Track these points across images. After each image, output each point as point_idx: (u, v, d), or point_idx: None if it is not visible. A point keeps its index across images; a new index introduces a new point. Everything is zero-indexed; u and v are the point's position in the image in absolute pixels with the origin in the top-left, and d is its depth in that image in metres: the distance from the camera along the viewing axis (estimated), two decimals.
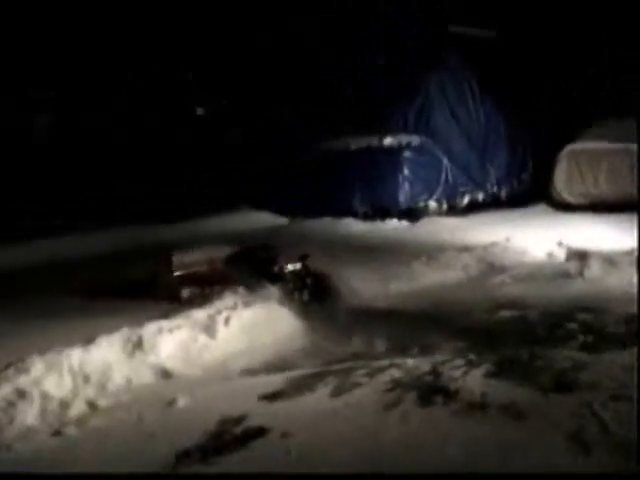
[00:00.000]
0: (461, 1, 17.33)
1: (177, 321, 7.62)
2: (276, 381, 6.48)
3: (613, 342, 6.90)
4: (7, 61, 16.21)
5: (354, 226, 15.16)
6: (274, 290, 8.49)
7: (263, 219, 16.60)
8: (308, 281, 8.77)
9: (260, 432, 5.43)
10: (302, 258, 8.99)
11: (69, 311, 8.73)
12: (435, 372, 6.26)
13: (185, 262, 9.41)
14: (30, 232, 13.61)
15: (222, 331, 7.62)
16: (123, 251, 12.62)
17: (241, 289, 8.65)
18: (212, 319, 7.77)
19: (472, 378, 6.04)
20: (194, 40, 18.09)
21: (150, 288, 9.41)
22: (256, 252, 9.28)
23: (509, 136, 17.64)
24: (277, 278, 8.77)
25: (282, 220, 16.58)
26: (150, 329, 7.31)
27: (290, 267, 8.91)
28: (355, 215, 15.91)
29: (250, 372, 6.89)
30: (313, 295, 8.67)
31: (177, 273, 9.31)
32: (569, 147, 16.28)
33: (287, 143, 17.31)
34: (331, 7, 17.12)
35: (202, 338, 7.46)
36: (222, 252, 9.48)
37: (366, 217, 15.86)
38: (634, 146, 15.03)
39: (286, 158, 17.23)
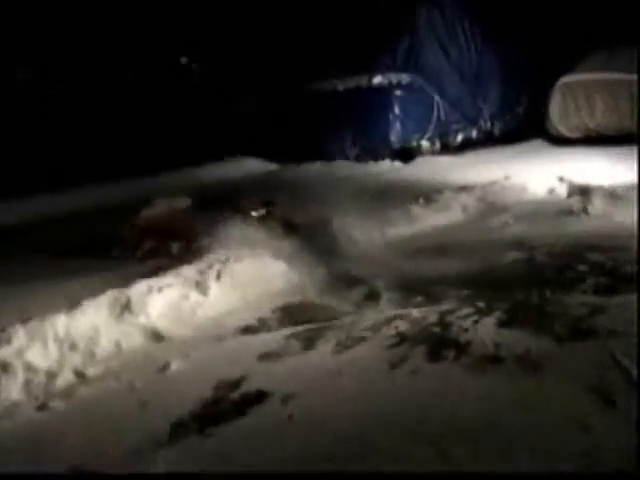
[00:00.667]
0: None
1: (167, 279, 7.21)
2: (274, 339, 6.11)
3: (628, 283, 6.53)
4: None
5: (346, 169, 14.79)
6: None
7: (254, 166, 16.28)
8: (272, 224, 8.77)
9: (259, 396, 5.06)
10: (267, 204, 9.16)
11: (48, 273, 8.33)
12: (443, 323, 5.88)
13: (147, 215, 9.08)
14: (12, 190, 13.21)
15: (214, 287, 7.23)
16: (104, 206, 12.25)
17: (231, 241, 8.32)
18: (203, 275, 7.37)
19: (483, 328, 5.66)
20: None
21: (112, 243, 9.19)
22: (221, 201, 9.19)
23: (502, 70, 17.24)
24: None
25: (273, 166, 16.25)
26: (138, 289, 6.92)
27: (254, 214, 8.98)
28: (347, 157, 15.54)
29: (246, 330, 6.53)
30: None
31: (135, 225, 8.97)
32: (564, 79, 15.84)
33: (274, 87, 16.89)
34: None
35: (193, 295, 7.08)
36: (185, 203, 9.22)
37: (358, 159, 15.49)
38: (632, 76, 14.63)
39: (274, 102, 16.82)
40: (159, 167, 15.30)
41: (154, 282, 7.10)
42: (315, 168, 14.99)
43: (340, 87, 15.77)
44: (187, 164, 15.74)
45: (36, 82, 16.86)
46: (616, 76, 15.23)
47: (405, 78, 15.55)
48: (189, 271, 7.45)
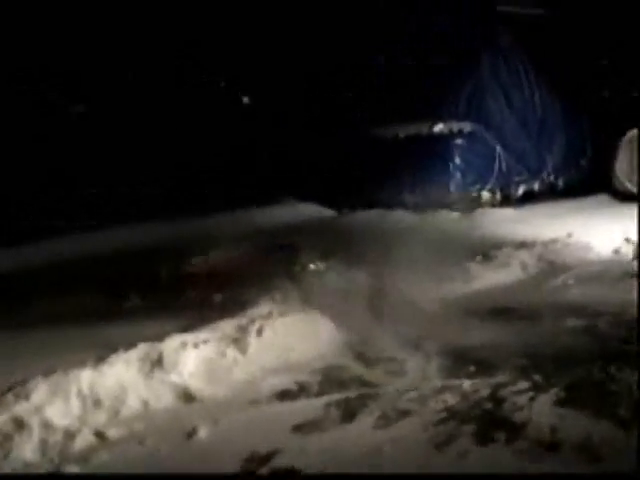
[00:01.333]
0: None
1: (203, 334, 6.79)
2: (312, 407, 5.69)
3: None
4: None
5: (404, 218, 14.28)
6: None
7: (309, 211, 15.83)
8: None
9: (291, 474, 4.63)
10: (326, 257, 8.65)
11: (80, 317, 8.04)
12: (496, 398, 5.44)
13: (198, 262, 8.70)
14: (52, 229, 12.97)
15: (254, 345, 6.79)
16: (148, 247, 11.85)
17: (277, 295, 7.91)
18: (243, 330, 6.94)
19: (539, 406, 5.21)
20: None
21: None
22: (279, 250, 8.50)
23: (566, 121, 16.61)
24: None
25: (329, 212, 15.81)
26: (172, 344, 6.50)
27: (313, 267, 8.46)
28: (405, 206, 15.05)
29: (283, 395, 6.08)
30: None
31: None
32: (632, 132, 15.26)
33: (334, 131, 16.53)
34: None
35: (231, 353, 6.64)
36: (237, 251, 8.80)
37: (416, 208, 14.96)
38: None
39: (333, 147, 16.46)
40: (209, 208, 14.97)
41: (189, 337, 6.68)
42: (371, 216, 14.52)
43: (401, 134, 15.33)
44: (239, 206, 15.35)
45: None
46: None
47: (467, 127, 15.06)
48: (228, 326, 7.02)
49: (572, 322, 7.24)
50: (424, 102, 15.21)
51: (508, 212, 14.38)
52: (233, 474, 4.74)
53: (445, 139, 15.06)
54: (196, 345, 6.53)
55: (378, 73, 15.85)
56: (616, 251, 10.07)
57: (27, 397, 5.56)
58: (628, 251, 10.00)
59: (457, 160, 14.97)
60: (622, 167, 15.13)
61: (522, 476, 4.16)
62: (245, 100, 18.85)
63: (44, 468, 5.09)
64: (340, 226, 14.14)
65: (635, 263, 9.49)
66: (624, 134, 15.31)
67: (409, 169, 15.05)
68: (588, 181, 16.30)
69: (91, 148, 16.03)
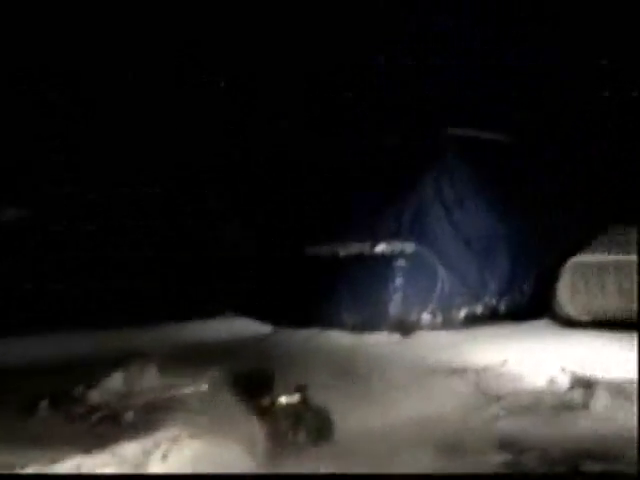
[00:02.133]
0: (463, 105, 16.39)
1: (102, 457, 6.33)
2: None
3: None
4: None
5: (340, 339, 14.02)
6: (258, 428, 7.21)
7: (245, 327, 15.54)
8: (306, 418, 7.47)
9: None
10: (299, 389, 7.70)
11: None
12: None
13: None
14: None
15: (157, 470, 6.33)
16: (73, 360, 11.46)
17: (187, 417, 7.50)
18: (147, 455, 6.48)
19: None
20: None
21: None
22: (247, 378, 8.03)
23: (510, 244, 16.52)
24: (265, 412, 7.44)
25: (266, 329, 15.49)
26: (65, 467, 6.05)
27: (284, 400, 7.59)
28: (343, 326, 14.77)
29: None
30: (310, 436, 7.37)
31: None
32: (574, 258, 15.09)
33: (274, 248, 16.35)
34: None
35: None
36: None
37: (355, 329, 14.71)
38: None
39: (272, 263, 16.26)
40: (146, 318, 14.62)
41: (86, 460, 6.22)
42: (307, 335, 14.25)
43: (341, 253, 15.15)
44: (175, 317, 15.01)
45: None
46: (631, 258, 14.51)
47: (409, 247, 14.92)
48: (131, 449, 6.57)
49: (496, 458, 6.85)
50: (366, 220, 15.10)
51: (447, 336, 14.11)
52: None
53: (386, 259, 14.88)
54: (92, 470, 6.07)
55: (316, 191, 15.74)
56: (551, 381, 9.75)
57: None
58: (564, 381, 9.70)
59: (398, 281, 14.78)
60: (563, 292, 14.93)
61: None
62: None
63: None
64: (276, 345, 13.81)
65: (571, 394, 9.21)
66: (567, 260, 15.13)
67: (348, 288, 14.84)
68: (530, 305, 16.14)
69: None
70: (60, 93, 15.66)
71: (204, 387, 9.19)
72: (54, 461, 6.14)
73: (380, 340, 14.04)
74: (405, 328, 14.64)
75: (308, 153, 16.12)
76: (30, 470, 5.91)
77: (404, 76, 16.17)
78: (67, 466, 6.06)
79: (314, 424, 7.32)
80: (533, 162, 17.07)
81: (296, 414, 7.34)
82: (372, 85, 16.38)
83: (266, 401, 7.51)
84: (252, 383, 7.79)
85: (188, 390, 8.99)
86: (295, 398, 7.50)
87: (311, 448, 7.12)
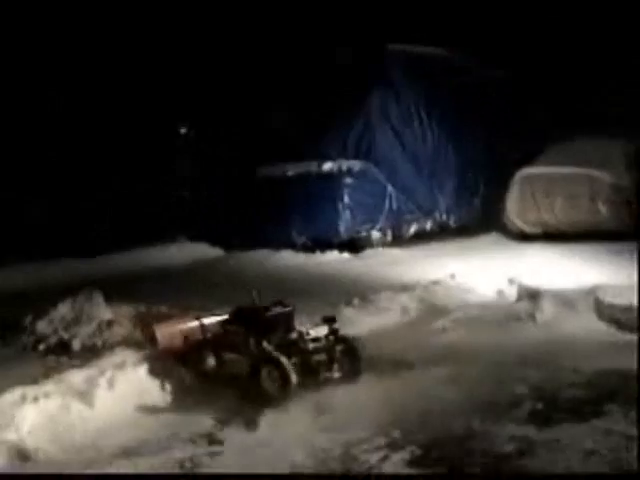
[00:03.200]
0: (404, 17, 16.27)
1: (47, 386, 6.29)
2: (153, 467, 5.26)
3: (564, 412, 5.70)
4: None
5: (290, 259, 14.01)
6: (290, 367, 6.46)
7: (198, 251, 15.49)
8: (337, 352, 6.76)
9: None
10: (328, 320, 6.99)
11: None
12: (348, 456, 5.06)
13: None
14: None
15: (102, 398, 6.30)
16: (30, 290, 11.39)
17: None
18: (92, 382, 6.44)
19: (391, 466, 4.84)
20: None
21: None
22: (262, 311, 7.01)
23: (459, 160, 16.51)
24: (295, 349, 6.72)
25: (218, 252, 15.44)
26: (9, 397, 6.00)
27: (313, 332, 6.86)
28: (294, 246, 14.73)
29: (125, 453, 5.62)
30: (345, 372, 6.72)
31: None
32: (523, 171, 15.09)
33: (222, 169, 16.20)
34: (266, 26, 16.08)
35: (76, 407, 6.14)
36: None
37: (305, 248, 14.68)
38: (593, 171, 14.00)
39: (221, 185, 16.12)
40: (99, 247, 14.52)
41: (31, 389, 6.17)
42: (259, 256, 14.22)
43: (290, 173, 15.04)
44: (126, 246, 14.92)
45: None
46: (577, 170, 14.54)
47: (356, 165, 14.85)
48: (76, 377, 6.53)
49: (442, 370, 6.87)
50: (313, 140, 14.98)
51: (397, 252, 14.14)
52: None
53: (334, 178, 14.80)
54: (36, 399, 6.02)
55: (265, 111, 15.59)
56: (499, 293, 9.78)
57: None
58: (511, 292, 9.72)
59: (346, 199, 14.72)
60: (512, 205, 14.94)
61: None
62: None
63: None
64: (228, 267, 13.78)
65: (518, 306, 9.23)
66: (515, 173, 15.13)
67: (298, 208, 14.76)
68: (480, 220, 16.18)
69: None
70: None
71: (162, 310, 9.17)
72: None
73: (331, 258, 14.05)
74: (355, 246, 14.65)
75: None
76: None
77: None
78: (13, 396, 6.01)
79: (347, 360, 6.75)
80: (478, 75, 17.08)
81: (327, 348, 6.73)
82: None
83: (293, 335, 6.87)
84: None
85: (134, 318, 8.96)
86: (323, 330, 6.87)
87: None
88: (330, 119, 15.15)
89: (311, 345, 6.76)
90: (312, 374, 6.60)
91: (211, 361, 6.93)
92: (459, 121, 16.45)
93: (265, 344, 6.71)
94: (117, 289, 9.77)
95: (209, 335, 7.18)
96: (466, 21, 17.09)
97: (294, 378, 6.36)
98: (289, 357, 6.53)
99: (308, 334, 6.84)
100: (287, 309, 7.13)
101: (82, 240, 14.88)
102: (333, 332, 6.88)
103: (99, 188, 16.49)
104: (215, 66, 16.44)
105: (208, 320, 7.33)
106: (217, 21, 16.63)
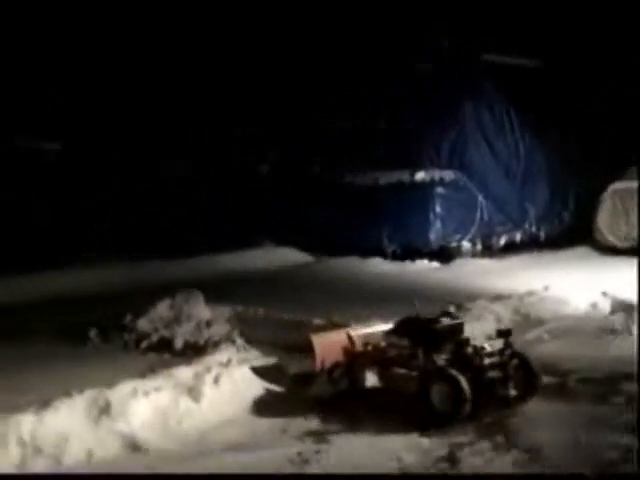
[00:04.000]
0: (496, 28, 16.27)
1: (156, 381, 6.50)
2: (261, 461, 5.45)
3: None
4: None
5: (380, 267, 14.18)
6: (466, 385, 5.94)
7: (286, 256, 15.70)
8: (511, 368, 6.29)
9: None
10: (504, 334, 6.57)
11: (34, 362, 7.86)
12: (452, 458, 5.18)
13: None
14: (32, 263, 12.88)
15: (209, 394, 6.49)
16: (119, 290, 11.68)
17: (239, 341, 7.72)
18: (199, 378, 6.64)
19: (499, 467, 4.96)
20: None
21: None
22: (431, 323, 6.58)
23: (550, 172, 16.51)
24: (469, 364, 6.23)
25: (306, 258, 15.64)
26: (121, 391, 6.21)
27: (488, 347, 6.43)
28: (383, 254, 14.87)
29: (233, 447, 5.78)
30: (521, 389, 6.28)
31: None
32: (614, 186, 15.07)
33: (315, 176, 16.39)
34: (360, 35, 16.20)
35: (184, 402, 6.34)
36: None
37: (395, 257, 14.83)
38: None
39: (312, 191, 16.29)
40: (189, 250, 14.84)
41: (141, 384, 6.39)
42: (349, 263, 14.38)
43: (381, 181, 15.18)
44: (214, 250, 15.21)
45: None
46: None
47: (448, 175, 14.95)
48: (183, 373, 6.73)
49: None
50: (406, 149, 15.10)
51: (488, 263, 14.20)
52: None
53: (426, 187, 14.89)
54: (147, 393, 6.23)
55: (359, 119, 15.72)
56: (593, 305, 9.83)
57: None
58: (605, 306, 9.77)
59: (438, 209, 14.80)
60: (603, 219, 14.91)
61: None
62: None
63: None
64: (317, 273, 13.94)
65: (612, 318, 9.25)
66: (607, 186, 15.10)
67: (389, 217, 14.87)
68: (570, 232, 16.15)
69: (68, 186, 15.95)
70: None
71: (260, 312, 9.41)
72: (110, 386, 6.28)
73: (421, 267, 14.15)
74: (445, 255, 14.74)
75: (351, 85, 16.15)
76: (89, 393, 6.07)
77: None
78: (124, 390, 6.21)
79: (521, 376, 6.30)
80: (570, 87, 17.02)
81: (501, 364, 6.26)
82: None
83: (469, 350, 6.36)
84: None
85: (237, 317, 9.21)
86: (498, 344, 6.46)
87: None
88: (423, 128, 15.26)
89: (487, 361, 6.29)
90: (486, 392, 6.12)
91: (371, 375, 6.62)
92: (551, 132, 16.45)
93: (436, 358, 6.35)
94: (209, 290, 9.96)
95: (369, 348, 6.78)
96: (561, 31, 16.96)
97: (469, 395, 5.90)
98: (462, 373, 6.04)
99: (483, 348, 6.42)
100: (457, 321, 6.78)
101: (173, 243, 15.24)
102: (508, 346, 6.48)
103: (192, 191, 16.90)
104: (307, 69, 16.67)
105: (369, 331, 7.03)
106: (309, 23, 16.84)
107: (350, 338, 6.78)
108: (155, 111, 17.28)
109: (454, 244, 15.06)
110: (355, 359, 6.70)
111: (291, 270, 14.40)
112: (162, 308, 9.32)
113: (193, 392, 6.46)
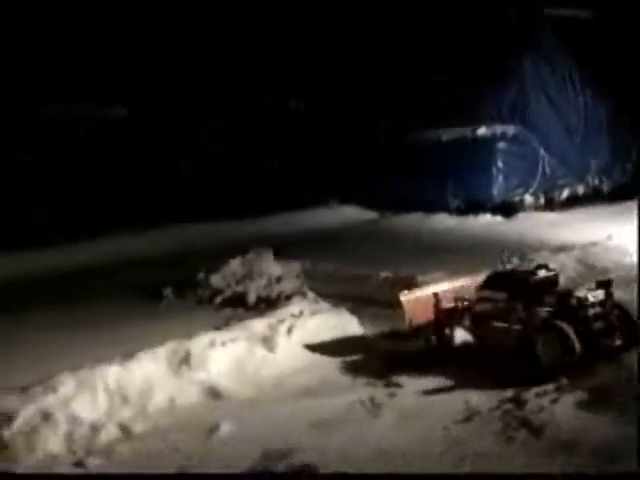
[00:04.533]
0: None
1: (232, 333, 6.81)
2: (335, 405, 5.68)
3: None
4: None
5: (445, 222, 14.32)
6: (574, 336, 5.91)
7: (351, 214, 15.98)
8: (614, 319, 6.28)
9: (306, 472, 4.64)
10: (604, 284, 6.50)
11: (114, 317, 8.29)
12: (519, 400, 5.40)
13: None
14: (97, 228, 13.28)
15: (283, 344, 6.79)
16: (197, 250, 12.08)
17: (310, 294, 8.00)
18: (273, 329, 6.94)
19: (561, 409, 5.16)
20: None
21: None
22: (528, 276, 6.53)
23: (611, 124, 16.50)
24: (574, 316, 6.15)
25: (371, 215, 15.89)
26: (200, 342, 6.53)
27: (591, 297, 6.30)
28: (447, 209, 15.03)
29: (308, 392, 6.07)
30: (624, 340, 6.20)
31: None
32: None
33: (376, 134, 16.57)
34: None
35: (259, 352, 6.66)
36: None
37: (459, 212, 14.97)
38: None
39: (375, 149, 16.48)
40: (256, 210, 15.17)
41: (218, 335, 6.70)
42: (414, 219, 14.61)
43: (444, 137, 15.31)
44: (281, 209, 15.52)
45: None
46: None
47: (510, 130, 15.01)
48: (258, 325, 7.03)
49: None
50: (467, 105, 15.18)
51: (550, 216, 14.27)
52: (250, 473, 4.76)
53: (488, 142, 15.00)
54: (224, 344, 6.55)
55: (420, 76, 15.83)
56: None
57: (55, 390, 5.63)
58: None
59: (500, 164, 14.89)
60: None
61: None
62: (294, 104, 19.04)
63: (69, 460, 5.14)
64: (383, 229, 14.19)
65: None
66: None
67: (452, 172, 15.01)
68: (633, 184, 16.13)
69: (137, 150, 16.31)
70: None
71: (328, 267, 9.70)
72: (189, 337, 6.60)
73: (484, 221, 14.28)
74: (508, 209, 14.85)
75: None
76: (170, 345, 6.39)
77: None
78: (203, 341, 6.52)
79: (624, 327, 6.23)
80: (631, 40, 16.92)
81: (604, 315, 6.22)
82: None
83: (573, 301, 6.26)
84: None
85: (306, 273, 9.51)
86: (600, 295, 6.35)
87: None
88: (484, 85, 15.33)
89: (591, 311, 6.22)
90: (592, 343, 6.02)
91: (461, 332, 6.57)
92: (611, 87, 16.42)
93: (541, 311, 6.29)
94: (278, 247, 10.26)
95: (460, 303, 6.70)
96: None
97: (578, 347, 5.84)
98: (568, 324, 5.99)
99: (587, 299, 6.30)
100: (552, 273, 6.69)
101: (241, 204, 15.56)
102: (609, 297, 6.43)
103: (261, 157, 17.25)
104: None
105: (457, 286, 6.97)
106: None
107: (436, 296, 6.65)
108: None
109: (517, 198, 15.14)
110: (443, 317, 6.62)
111: (357, 226, 14.66)
112: (234, 265, 9.66)
113: (268, 342, 6.77)
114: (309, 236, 13.42)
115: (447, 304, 6.70)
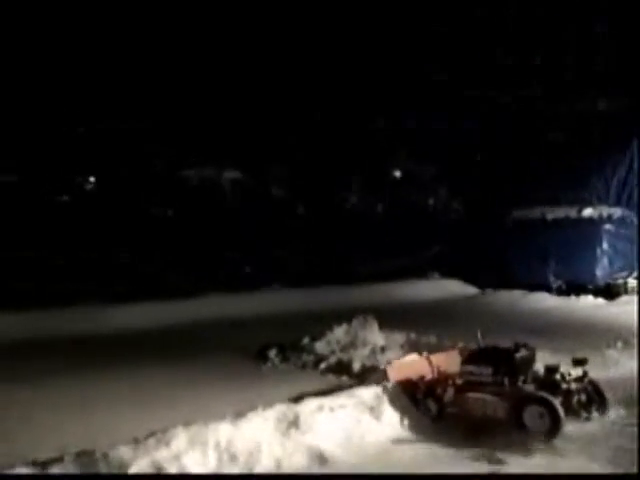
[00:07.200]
0: None
1: (340, 399, 6.93)
2: None
3: None
4: None
5: (545, 301, 14.29)
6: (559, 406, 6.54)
7: (452, 288, 16.10)
8: (591, 392, 7.08)
9: None
10: (580, 362, 7.19)
11: (224, 377, 8.46)
12: None
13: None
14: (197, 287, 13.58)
15: (388, 412, 6.88)
16: (299, 314, 12.27)
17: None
18: (379, 398, 7.04)
19: None
20: None
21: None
22: (511, 353, 7.04)
23: None
24: (558, 389, 6.85)
25: (472, 290, 15.98)
26: (308, 406, 6.65)
27: (574, 374, 7.06)
28: (548, 289, 15.04)
29: (415, 464, 6.11)
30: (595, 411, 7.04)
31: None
32: None
33: (478, 211, 16.70)
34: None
35: (365, 419, 6.75)
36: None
37: (560, 292, 14.96)
38: None
39: (477, 226, 16.59)
40: (356, 278, 15.36)
41: (326, 401, 6.82)
42: (514, 297, 14.60)
43: (548, 216, 15.36)
44: (381, 278, 15.70)
45: None
46: None
47: (617, 212, 15.00)
48: (365, 393, 7.14)
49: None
50: (574, 185, 15.22)
51: None
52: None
53: (594, 224, 15.00)
54: (332, 409, 6.66)
55: (526, 153, 15.91)
56: None
57: (167, 444, 5.76)
58: None
59: (605, 246, 14.88)
60: None
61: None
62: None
63: None
64: (483, 306, 14.22)
65: None
66: None
67: (554, 252, 15.02)
68: None
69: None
70: None
71: (432, 339, 9.79)
72: (297, 401, 6.74)
73: (586, 303, 14.21)
74: (611, 292, 14.77)
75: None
76: (278, 407, 6.53)
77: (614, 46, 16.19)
78: (311, 405, 6.65)
79: (597, 399, 7.04)
80: None
81: (583, 389, 6.98)
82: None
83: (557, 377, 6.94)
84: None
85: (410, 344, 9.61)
86: (578, 372, 7.05)
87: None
88: (592, 166, 15.35)
89: (574, 385, 6.95)
90: (573, 413, 6.82)
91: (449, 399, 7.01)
92: None
93: (526, 385, 6.89)
94: (381, 317, 10.35)
95: (445, 374, 7.24)
96: None
97: (563, 417, 6.42)
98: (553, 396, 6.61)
99: (570, 375, 7.02)
100: (531, 352, 7.21)
101: (342, 270, 15.75)
102: (585, 374, 7.08)
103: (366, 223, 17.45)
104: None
105: (441, 359, 7.58)
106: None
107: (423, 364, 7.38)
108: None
109: (620, 281, 15.06)
110: (431, 384, 7.15)
111: (457, 300, 14.73)
112: (339, 332, 9.80)
113: (374, 410, 6.87)
114: (410, 307, 13.50)
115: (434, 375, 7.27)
